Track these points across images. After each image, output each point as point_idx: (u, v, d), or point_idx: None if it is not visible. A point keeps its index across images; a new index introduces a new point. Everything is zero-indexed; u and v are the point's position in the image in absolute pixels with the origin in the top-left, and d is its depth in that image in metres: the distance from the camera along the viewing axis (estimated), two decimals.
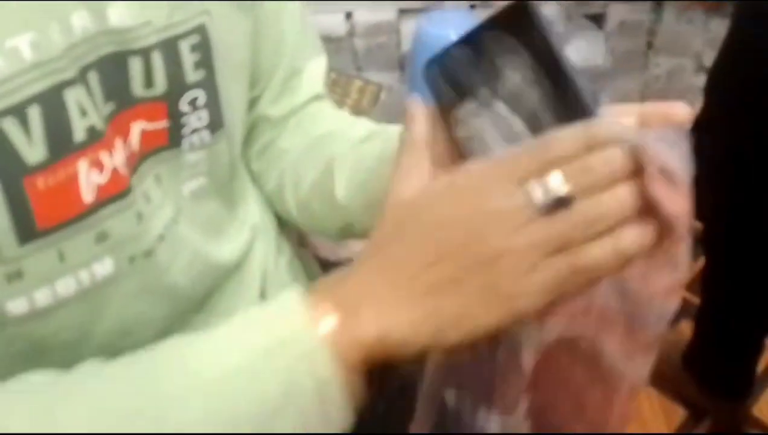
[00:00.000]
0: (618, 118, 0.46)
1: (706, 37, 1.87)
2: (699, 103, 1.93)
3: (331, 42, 1.85)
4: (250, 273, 0.64)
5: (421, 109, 0.49)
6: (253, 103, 0.65)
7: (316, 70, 0.69)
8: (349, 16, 1.88)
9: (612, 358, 0.45)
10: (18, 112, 0.43)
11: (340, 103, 1.62)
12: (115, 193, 0.49)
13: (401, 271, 0.42)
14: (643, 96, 1.96)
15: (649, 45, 1.92)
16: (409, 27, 1.85)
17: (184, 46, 0.51)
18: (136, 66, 0.49)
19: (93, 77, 0.47)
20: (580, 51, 1.91)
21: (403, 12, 1.87)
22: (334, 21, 1.86)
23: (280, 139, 0.68)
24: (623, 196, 0.39)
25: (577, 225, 0.39)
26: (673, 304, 0.43)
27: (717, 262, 1.28)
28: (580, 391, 0.48)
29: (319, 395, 0.40)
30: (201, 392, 0.40)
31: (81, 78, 0.46)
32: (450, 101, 0.48)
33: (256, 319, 0.43)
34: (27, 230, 0.45)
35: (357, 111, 1.66)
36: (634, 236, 0.39)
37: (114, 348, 0.52)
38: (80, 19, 0.46)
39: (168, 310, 0.56)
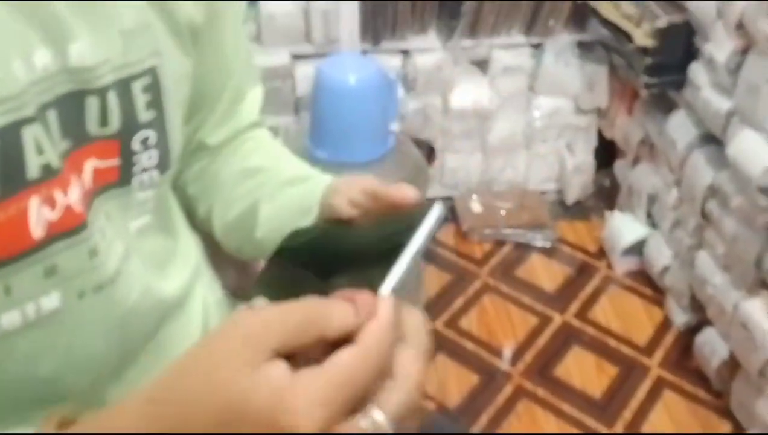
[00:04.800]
0: (360, 184, 0.55)
1: (582, 80, 2.00)
2: (577, 142, 2.07)
3: None
4: (194, 307, 0.65)
5: None
6: (193, 130, 0.67)
7: (255, 98, 0.71)
8: None
9: None
10: None
11: None
12: (66, 229, 0.49)
13: None
14: (527, 135, 2.07)
15: (531, 87, 2.03)
16: (303, 71, 1.88)
17: (137, 87, 0.52)
18: (92, 105, 0.50)
19: (51, 115, 0.48)
20: (468, 93, 2.00)
21: (296, 57, 1.90)
22: None
23: (215, 164, 0.70)
24: None
25: None
26: None
27: None
28: None
29: None
30: None
31: (40, 115, 0.47)
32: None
33: None
34: None
35: None
36: None
37: (62, 383, 0.51)
38: (42, 57, 0.46)
39: (117, 346, 0.56)
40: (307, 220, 0.61)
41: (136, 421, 0.38)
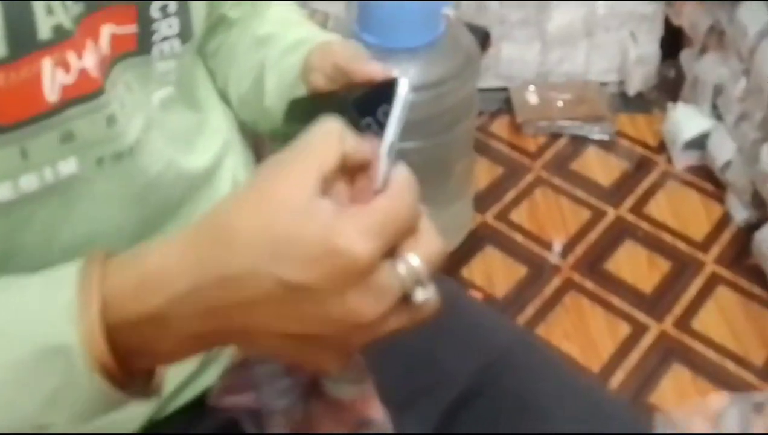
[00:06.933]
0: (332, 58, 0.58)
1: None
2: (642, 30, 1.97)
3: None
4: (222, 182, 0.64)
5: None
6: (214, 5, 0.66)
7: None
8: None
9: None
10: None
11: None
12: (82, 93, 0.48)
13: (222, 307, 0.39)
14: (588, 23, 1.98)
15: None
16: None
17: None
18: None
19: None
20: None
21: None
22: None
23: (232, 36, 0.71)
24: None
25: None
26: None
27: None
28: None
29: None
30: None
31: None
32: None
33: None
34: None
35: None
36: None
37: (80, 254, 0.52)
38: None
39: (138, 218, 0.56)
40: (302, 89, 0.63)
41: (181, 257, 0.40)
